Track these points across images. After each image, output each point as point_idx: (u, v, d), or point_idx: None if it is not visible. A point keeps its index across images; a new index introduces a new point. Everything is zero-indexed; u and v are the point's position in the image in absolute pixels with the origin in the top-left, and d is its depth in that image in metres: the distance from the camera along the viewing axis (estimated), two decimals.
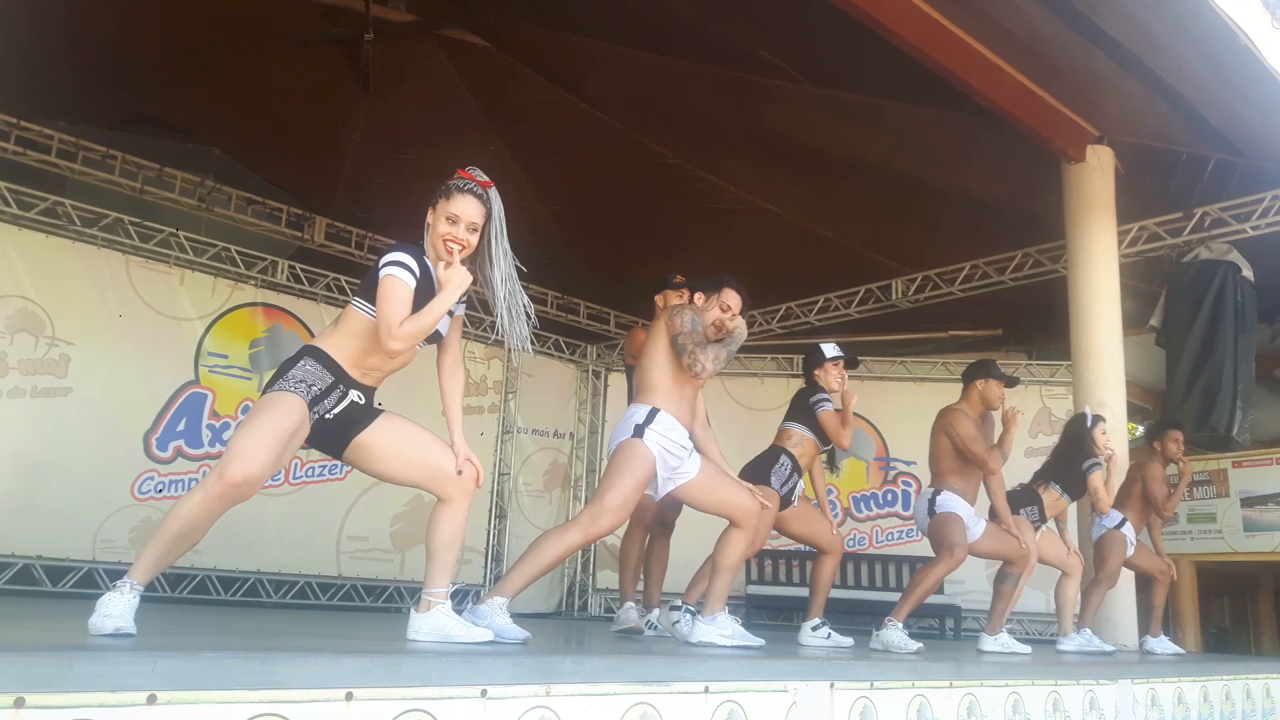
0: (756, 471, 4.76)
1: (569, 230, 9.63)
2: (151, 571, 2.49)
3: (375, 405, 2.95)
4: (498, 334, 3.05)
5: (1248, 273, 8.00)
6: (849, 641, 4.78)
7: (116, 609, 2.34)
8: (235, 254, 8.40)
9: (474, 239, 2.97)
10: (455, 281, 2.89)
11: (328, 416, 2.80)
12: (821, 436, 4.91)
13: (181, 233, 8.08)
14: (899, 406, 10.01)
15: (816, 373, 5.02)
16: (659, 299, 5.24)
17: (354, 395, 2.85)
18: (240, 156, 8.86)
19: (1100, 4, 5.92)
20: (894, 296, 9.93)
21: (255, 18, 7.36)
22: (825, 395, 4.94)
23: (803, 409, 4.98)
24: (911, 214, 8.97)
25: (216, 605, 7.55)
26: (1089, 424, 5.93)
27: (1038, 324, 9.93)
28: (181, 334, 8.06)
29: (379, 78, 7.88)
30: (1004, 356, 10.24)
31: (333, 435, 2.85)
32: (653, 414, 3.60)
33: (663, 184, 8.78)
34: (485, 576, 9.62)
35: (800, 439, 4.92)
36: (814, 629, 4.81)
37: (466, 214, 2.94)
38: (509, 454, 10.14)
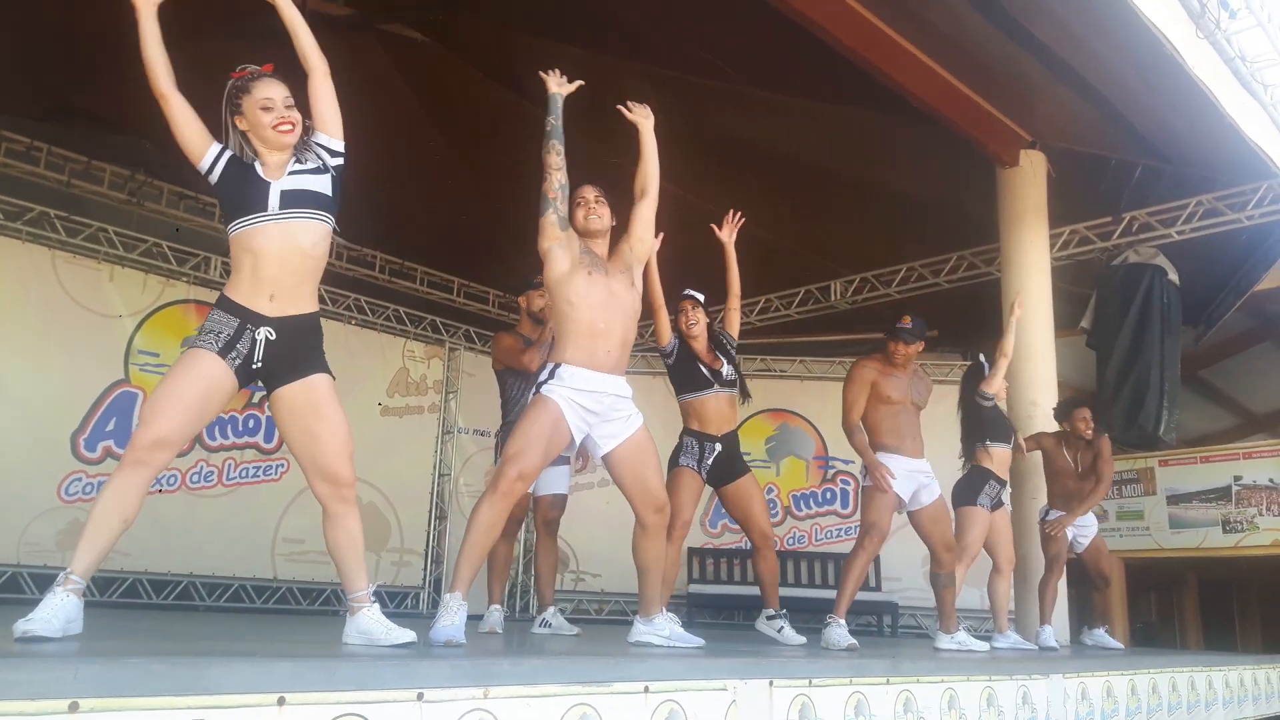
0: (670, 462, 4.82)
1: (511, 230, 9.55)
2: (88, 559, 2.45)
3: (319, 359, 2.85)
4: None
5: (1173, 276, 8.23)
6: (798, 641, 4.72)
7: (41, 612, 2.31)
8: (167, 249, 8.21)
9: (297, 113, 2.96)
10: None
11: (248, 361, 2.74)
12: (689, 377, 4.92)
13: (111, 228, 7.88)
14: (838, 406, 10.01)
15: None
16: (522, 300, 5.46)
17: (265, 333, 2.76)
18: (172, 150, 8.64)
19: (1033, 11, 6.04)
20: (833, 298, 10.04)
21: (186, 8, 7.17)
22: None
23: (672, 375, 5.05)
24: (850, 216, 9.07)
25: (148, 609, 7.36)
26: (983, 371, 5.86)
27: (972, 325, 10.10)
28: (111, 332, 7.86)
29: None
30: (939, 358, 10.40)
31: (275, 369, 2.78)
32: (554, 369, 3.49)
33: (603, 184, 8.75)
34: (425, 578, 9.51)
35: (684, 406, 4.99)
36: (769, 618, 4.88)
37: (277, 95, 2.92)
38: (450, 454, 10.04)
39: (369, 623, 2.78)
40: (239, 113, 2.92)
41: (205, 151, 2.88)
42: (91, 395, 7.66)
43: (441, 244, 9.67)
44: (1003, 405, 6.14)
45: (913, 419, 5.06)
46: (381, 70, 7.99)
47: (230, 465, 8.28)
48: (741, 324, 10.50)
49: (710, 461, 4.88)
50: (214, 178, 2.88)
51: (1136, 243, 8.28)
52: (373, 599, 2.85)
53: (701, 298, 5.13)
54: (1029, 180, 7.64)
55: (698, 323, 5.02)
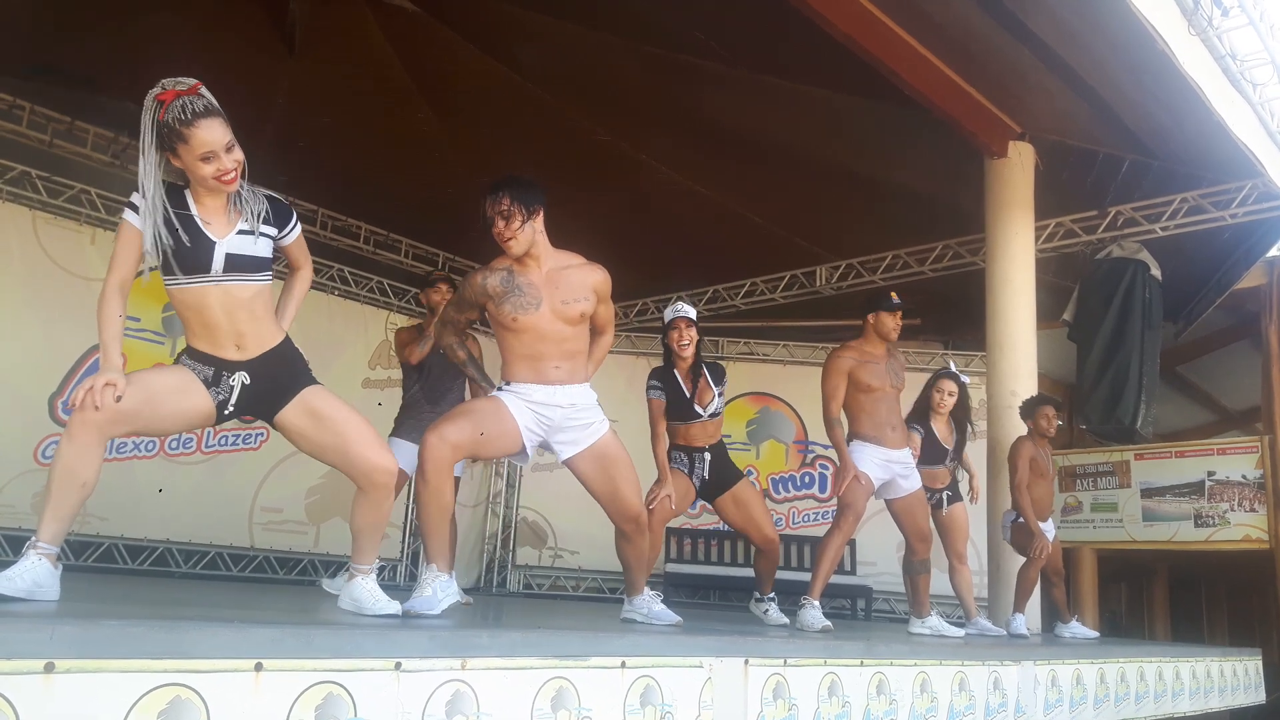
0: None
1: None
2: (53, 526, 2.44)
3: (303, 377, 2.81)
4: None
5: (1156, 271, 8.28)
6: (781, 620, 4.89)
7: (9, 571, 2.31)
8: None
9: (238, 153, 2.67)
10: None
11: (224, 404, 2.73)
12: (672, 407, 4.77)
13: (93, 190, 7.79)
14: (819, 391, 10.14)
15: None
16: (422, 296, 5.62)
17: (240, 378, 2.72)
18: None
19: (1028, 3, 6.04)
20: (818, 283, 10.05)
21: None
22: (656, 383, 4.81)
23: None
24: (837, 202, 9.07)
25: (123, 574, 7.34)
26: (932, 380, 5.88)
27: (955, 315, 10.14)
28: (91, 295, 7.74)
29: (305, 39, 7.66)
30: (921, 345, 10.45)
31: (257, 407, 2.78)
32: (506, 384, 3.46)
33: (592, 161, 8.72)
34: (403, 551, 9.51)
35: (668, 427, 4.83)
36: (756, 601, 5.04)
37: (218, 140, 2.61)
38: None
39: (360, 590, 2.84)
40: (174, 154, 2.64)
41: (139, 252, 2.71)
42: (70, 358, 7.59)
43: (427, 217, 9.61)
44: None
45: (893, 406, 5.07)
46: (372, 40, 7.91)
47: (209, 432, 8.22)
48: (726, 307, 10.54)
49: (705, 472, 4.83)
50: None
51: (1121, 237, 8.32)
52: (371, 570, 2.90)
53: (694, 315, 4.93)
54: (1017, 171, 7.65)
55: (690, 343, 4.82)
